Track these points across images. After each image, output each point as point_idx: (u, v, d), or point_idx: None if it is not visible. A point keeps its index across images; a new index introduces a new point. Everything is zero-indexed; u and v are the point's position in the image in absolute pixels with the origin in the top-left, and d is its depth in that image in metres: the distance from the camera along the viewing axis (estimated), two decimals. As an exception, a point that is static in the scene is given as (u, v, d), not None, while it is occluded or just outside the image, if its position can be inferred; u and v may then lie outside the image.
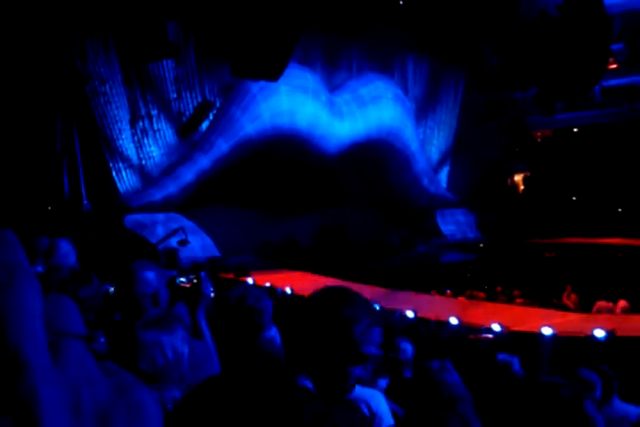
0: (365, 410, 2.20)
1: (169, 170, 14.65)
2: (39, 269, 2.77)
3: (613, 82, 18.63)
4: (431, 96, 19.88)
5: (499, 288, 12.24)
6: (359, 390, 2.39)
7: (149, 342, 1.67)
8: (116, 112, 13.66)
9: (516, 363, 3.68)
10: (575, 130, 20.80)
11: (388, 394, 3.13)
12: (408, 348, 3.67)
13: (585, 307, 10.51)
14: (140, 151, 14.32)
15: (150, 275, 2.25)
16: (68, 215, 12.21)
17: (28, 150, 11.95)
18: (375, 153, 18.04)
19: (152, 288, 2.23)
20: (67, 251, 2.87)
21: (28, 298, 1.04)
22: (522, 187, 22.54)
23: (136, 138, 14.23)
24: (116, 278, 2.43)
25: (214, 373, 2.04)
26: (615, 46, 16.02)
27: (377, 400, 2.38)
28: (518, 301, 11.00)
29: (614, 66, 18.00)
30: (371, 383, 2.82)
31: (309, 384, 1.86)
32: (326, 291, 1.67)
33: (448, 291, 12.24)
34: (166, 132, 14.68)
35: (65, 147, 12.82)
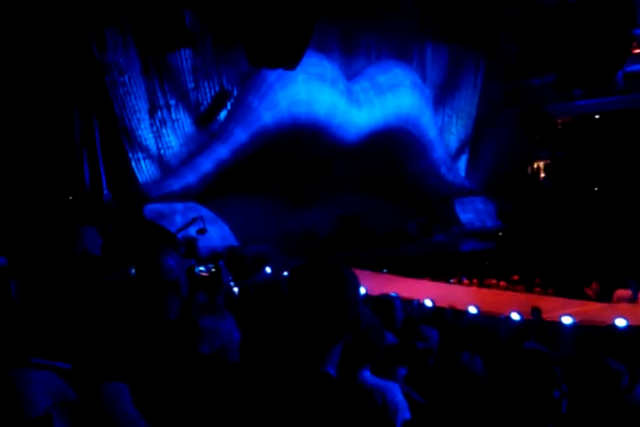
0: (379, 400, 2.20)
1: (188, 160, 14.72)
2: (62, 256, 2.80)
3: (636, 67, 18.25)
4: (450, 83, 19.67)
5: (515, 277, 12.11)
6: (375, 381, 2.39)
7: (208, 329, 1.78)
8: (134, 102, 13.73)
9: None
10: (597, 117, 20.46)
11: (409, 383, 3.13)
12: (434, 335, 3.55)
13: (606, 296, 10.39)
14: (158, 141, 14.40)
15: (172, 262, 2.26)
16: (88, 205, 12.34)
17: (48, 141, 12.07)
18: (393, 141, 17.93)
19: (174, 276, 2.24)
20: (93, 238, 2.90)
21: None
22: (542, 175, 22.30)
23: (155, 128, 14.30)
24: (137, 266, 2.45)
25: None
26: (639, 31, 15.67)
27: (393, 392, 2.38)
28: (537, 289, 10.92)
29: (638, 50, 17.63)
30: (389, 374, 2.82)
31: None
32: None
33: (465, 279, 12.20)
34: (185, 122, 14.74)
35: (85, 137, 12.93)
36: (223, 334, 1.80)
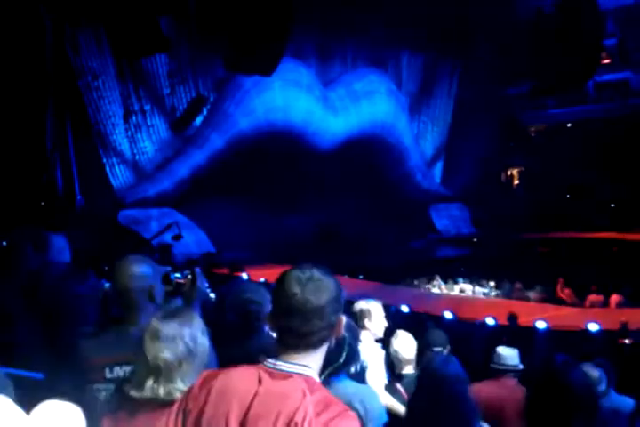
0: (359, 406, 2.19)
1: (163, 165, 14.59)
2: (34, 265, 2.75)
3: (607, 77, 18.67)
4: (425, 90, 19.85)
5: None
6: (354, 386, 2.38)
7: (170, 335, 1.71)
8: (109, 107, 13.58)
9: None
10: (569, 125, 20.84)
11: (388, 389, 3.13)
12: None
13: (579, 301, 10.56)
14: (133, 146, 14.25)
15: (146, 269, 2.23)
16: (61, 211, 12.14)
17: (20, 146, 11.86)
18: (369, 148, 18.01)
19: (148, 283, 2.21)
20: (61, 246, 2.85)
21: None
22: (516, 182, 22.63)
23: (129, 133, 14.15)
24: (111, 274, 2.41)
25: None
26: (608, 42, 16.05)
27: (371, 397, 2.37)
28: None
29: (607, 61, 18.03)
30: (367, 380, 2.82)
31: None
32: None
33: (443, 285, 12.28)
34: (160, 128, 14.61)
35: (58, 142, 12.74)
36: (187, 340, 1.74)
